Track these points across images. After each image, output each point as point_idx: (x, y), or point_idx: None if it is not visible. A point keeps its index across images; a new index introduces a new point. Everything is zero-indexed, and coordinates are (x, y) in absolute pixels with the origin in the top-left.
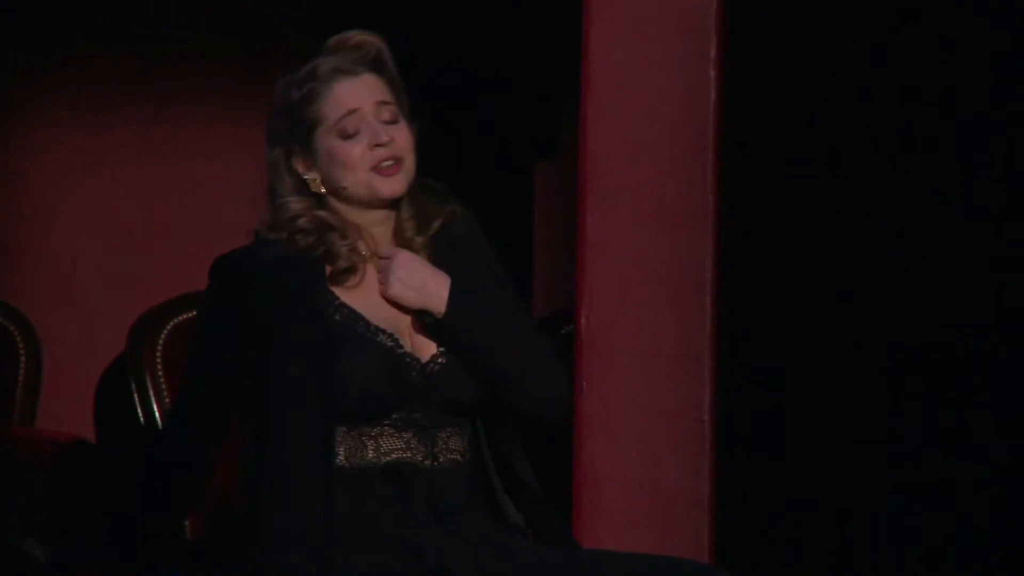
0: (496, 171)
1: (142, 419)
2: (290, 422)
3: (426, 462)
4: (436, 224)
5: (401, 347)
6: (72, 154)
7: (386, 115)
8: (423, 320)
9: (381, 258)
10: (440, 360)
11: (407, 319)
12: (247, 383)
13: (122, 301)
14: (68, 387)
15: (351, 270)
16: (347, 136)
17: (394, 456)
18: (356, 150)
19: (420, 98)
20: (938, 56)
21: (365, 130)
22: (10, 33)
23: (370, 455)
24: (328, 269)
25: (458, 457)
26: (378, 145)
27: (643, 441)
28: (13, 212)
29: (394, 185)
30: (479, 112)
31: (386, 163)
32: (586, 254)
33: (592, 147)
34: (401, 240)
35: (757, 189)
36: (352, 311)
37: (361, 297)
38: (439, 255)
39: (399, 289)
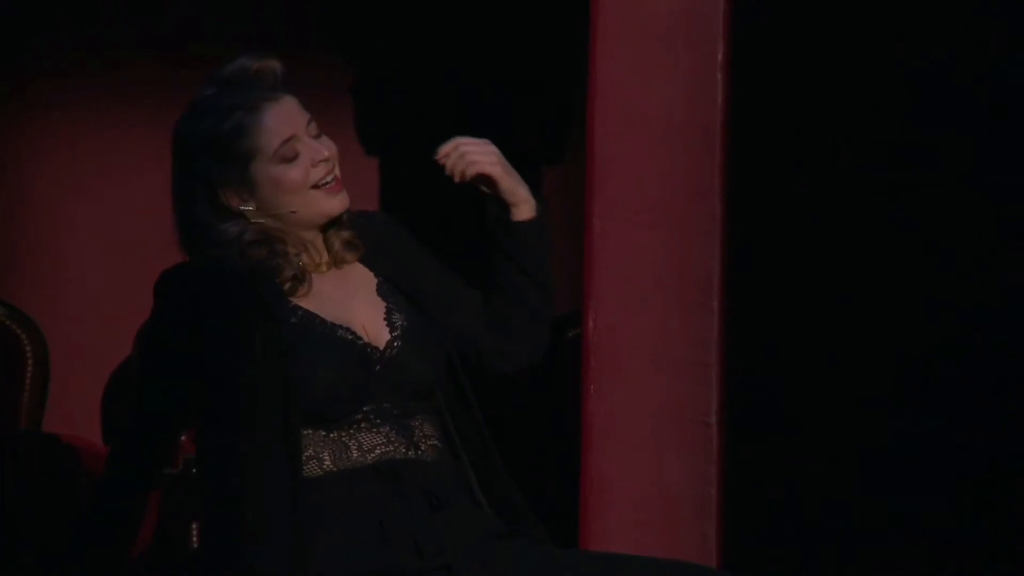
0: None
1: None
2: (252, 428)
3: (410, 453)
4: (348, 233)
5: (361, 339)
6: (79, 158)
7: (314, 131)
8: (498, 215)
9: (440, 156)
10: (396, 344)
11: (360, 316)
12: (202, 396)
13: (129, 304)
14: (75, 391)
15: (300, 279)
16: (287, 161)
17: (378, 452)
18: (299, 172)
19: (426, 101)
20: (944, 60)
21: (303, 150)
22: (16, 37)
23: (355, 455)
24: (277, 279)
25: (436, 443)
26: (322, 160)
27: (650, 444)
28: (20, 216)
29: (342, 201)
30: (486, 115)
31: (327, 180)
32: (593, 257)
33: (599, 150)
34: (333, 253)
35: (764, 193)
36: (307, 312)
37: (314, 301)
38: (374, 259)
39: (499, 158)
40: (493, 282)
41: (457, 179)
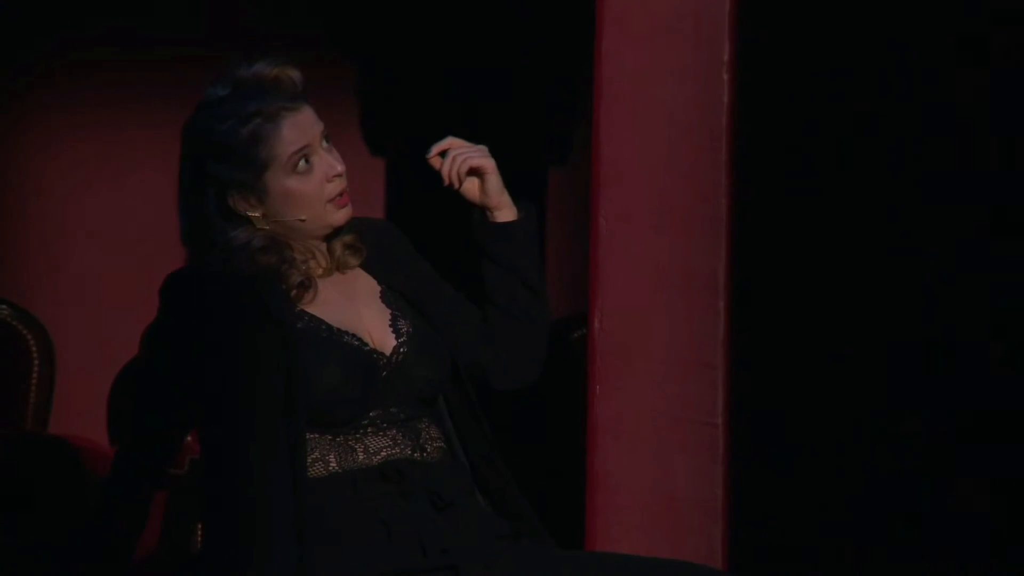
0: (509, 175)
1: None
2: (255, 432)
3: (416, 455)
4: (349, 237)
5: (367, 345)
6: (84, 160)
7: (328, 141)
8: (481, 219)
9: (434, 155)
10: (402, 350)
11: (365, 322)
12: (206, 399)
13: (135, 305)
14: (81, 391)
15: (306, 285)
16: (300, 172)
17: (384, 454)
18: (312, 186)
19: (431, 102)
20: (952, 60)
21: (317, 163)
22: (22, 39)
23: (361, 457)
24: (284, 285)
25: (442, 444)
26: (336, 176)
27: (656, 446)
28: (26, 217)
29: (347, 212)
30: (492, 117)
31: (340, 194)
32: (599, 258)
33: (605, 151)
34: (335, 258)
35: (770, 193)
36: (314, 317)
37: (320, 307)
38: (377, 265)
39: (489, 155)
40: (485, 293)
41: (456, 183)
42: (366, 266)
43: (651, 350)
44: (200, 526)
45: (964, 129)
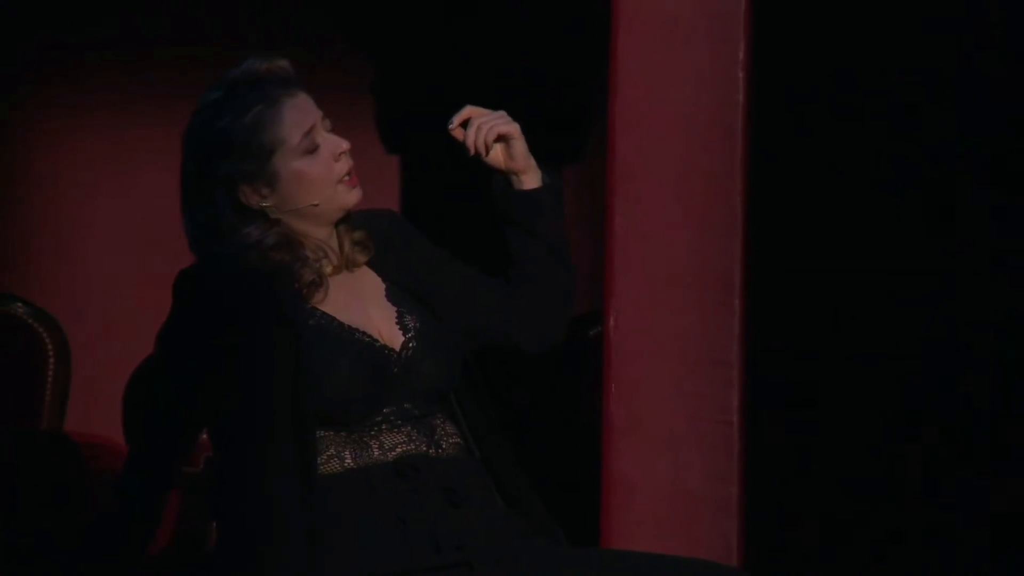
0: None
1: None
2: (268, 430)
3: (431, 451)
4: (359, 234)
5: (378, 342)
6: (97, 159)
7: (328, 124)
8: (506, 186)
9: (456, 126)
10: (411, 345)
11: (374, 319)
12: (219, 396)
13: (150, 303)
14: (97, 389)
15: (318, 283)
16: (309, 153)
17: (399, 450)
18: (320, 166)
19: (445, 100)
20: (965, 60)
21: (322, 143)
22: (30, 41)
23: (376, 454)
24: (296, 283)
25: (458, 440)
26: (342, 153)
27: (670, 444)
28: (40, 216)
29: (358, 194)
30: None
31: (348, 174)
32: (614, 257)
33: (620, 150)
34: (344, 255)
35: (786, 192)
36: (325, 315)
37: (330, 305)
38: (382, 262)
39: (511, 120)
40: (510, 259)
41: (483, 151)
42: (371, 263)
43: (666, 348)
44: (214, 524)
45: (979, 128)
